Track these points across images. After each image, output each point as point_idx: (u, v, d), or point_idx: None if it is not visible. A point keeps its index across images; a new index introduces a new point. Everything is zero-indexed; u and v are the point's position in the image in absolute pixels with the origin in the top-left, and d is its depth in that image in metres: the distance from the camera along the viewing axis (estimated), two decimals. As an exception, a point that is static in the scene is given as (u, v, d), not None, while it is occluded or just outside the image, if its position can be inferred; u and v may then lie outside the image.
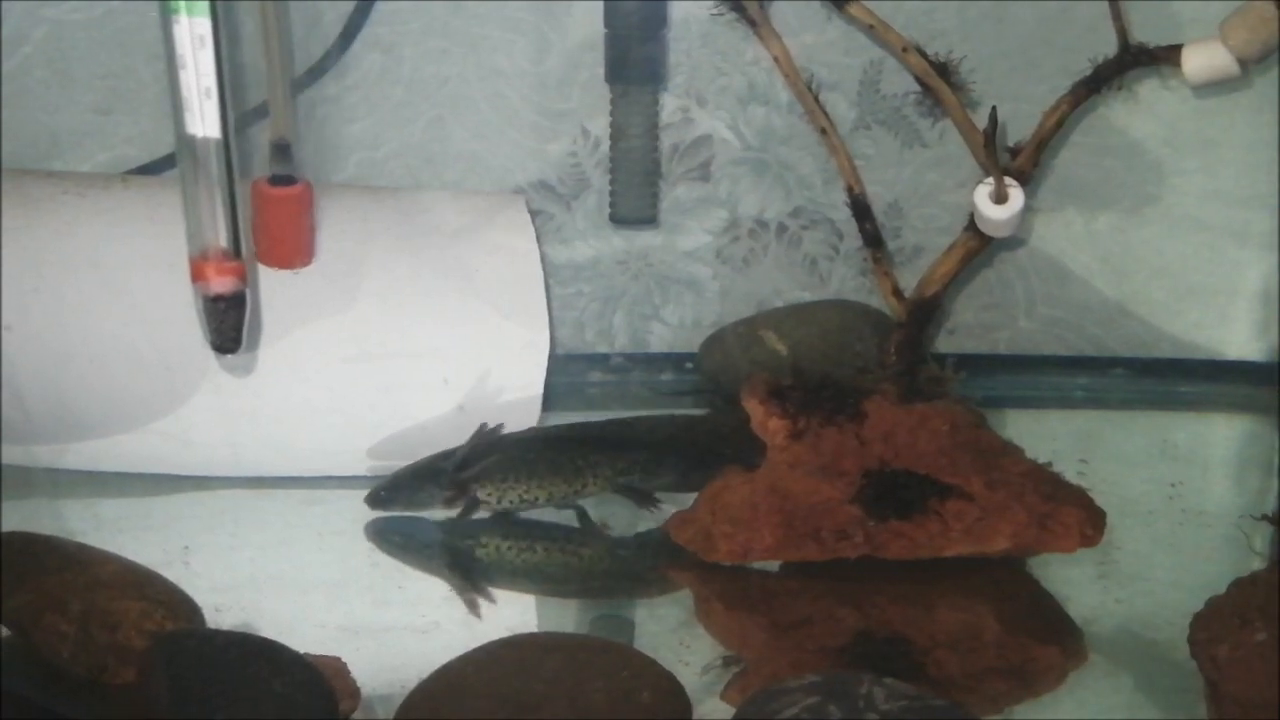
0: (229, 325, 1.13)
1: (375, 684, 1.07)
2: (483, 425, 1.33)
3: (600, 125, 1.52)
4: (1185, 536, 1.32)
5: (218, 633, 1.08)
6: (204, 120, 1.08)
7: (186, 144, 1.09)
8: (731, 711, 1.01)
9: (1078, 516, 1.23)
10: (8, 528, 1.14)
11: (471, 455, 1.31)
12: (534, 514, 1.33)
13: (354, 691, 1.04)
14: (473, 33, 1.50)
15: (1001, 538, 1.22)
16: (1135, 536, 1.30)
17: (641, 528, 1.33)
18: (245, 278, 1.13)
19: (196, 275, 1.12)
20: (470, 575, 1.24)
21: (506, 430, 1.35)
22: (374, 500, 1.31)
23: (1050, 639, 1.18)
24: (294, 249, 1.29)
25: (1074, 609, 1.21)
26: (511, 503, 1.31)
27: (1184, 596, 1.13)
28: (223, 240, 1.11)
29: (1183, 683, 1.09)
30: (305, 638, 1.08)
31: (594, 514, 1.33)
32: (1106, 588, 1.24)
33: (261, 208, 1.25)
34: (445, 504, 1.31)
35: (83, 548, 1.13)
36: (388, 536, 1.30)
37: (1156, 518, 1.35)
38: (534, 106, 1.53)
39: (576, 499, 1.34)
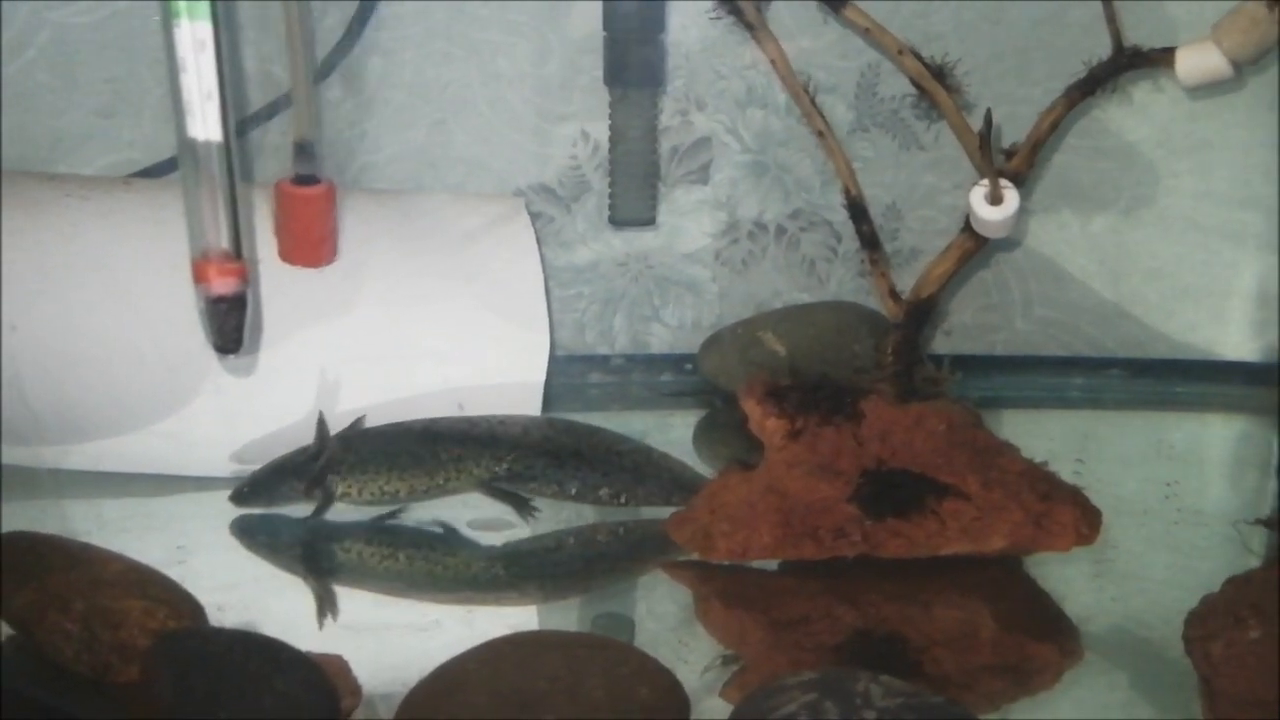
0: (230, 326, 1.13)
1: (377, 682, 1.07)
2: (358, 420, 1.33)
3: (600, 128, 1.53)
4: (1181, 535, 1.33)
5: (220, 631, 1.09)
6: (205, 123, 1.09)
7: (188, 147, 1.10)
8: (730, 709, 1.01)
9: (1073, 515, 1.24)
10: (12, 527, 1.15)
11: (329, 447, 1.30)
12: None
13: (355, 689, 1.05)
14: (474, 37, 1.50)
15: (998, 537, 1.23)
16: (1131, 535, 1.31)
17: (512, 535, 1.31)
18: (247, 279, 1.14)
19: (198, 276, 1.13)
20: (326, 577, 1.23)
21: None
22: (237, 498, 1.30)
23: (1046, 637, 1.18)
24: (318, 247, 1.30)
25: (1070, 607, 1.21)
26: (373, 495, 1.31)
27: (1179, 595, 1.13)
28: (224, 242, 1.11)
29: (1178, 680, 1.10)
30: (307, 636, 1.09)
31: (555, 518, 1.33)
32: (1102, 586, 1.25)
33: (285, 207, 1.26)
34: (304, 495, 1.30)
35: (86, 547, 1.13)
36: (253, 535, 1.29)
37: (1152, 517, 1.35)
38: (535, 110, 1.53)
39: (439, 493, 1.33)
